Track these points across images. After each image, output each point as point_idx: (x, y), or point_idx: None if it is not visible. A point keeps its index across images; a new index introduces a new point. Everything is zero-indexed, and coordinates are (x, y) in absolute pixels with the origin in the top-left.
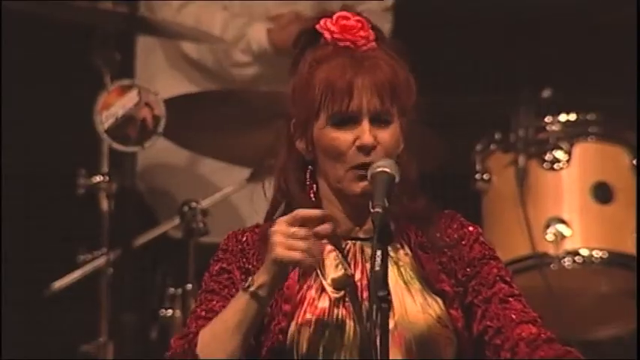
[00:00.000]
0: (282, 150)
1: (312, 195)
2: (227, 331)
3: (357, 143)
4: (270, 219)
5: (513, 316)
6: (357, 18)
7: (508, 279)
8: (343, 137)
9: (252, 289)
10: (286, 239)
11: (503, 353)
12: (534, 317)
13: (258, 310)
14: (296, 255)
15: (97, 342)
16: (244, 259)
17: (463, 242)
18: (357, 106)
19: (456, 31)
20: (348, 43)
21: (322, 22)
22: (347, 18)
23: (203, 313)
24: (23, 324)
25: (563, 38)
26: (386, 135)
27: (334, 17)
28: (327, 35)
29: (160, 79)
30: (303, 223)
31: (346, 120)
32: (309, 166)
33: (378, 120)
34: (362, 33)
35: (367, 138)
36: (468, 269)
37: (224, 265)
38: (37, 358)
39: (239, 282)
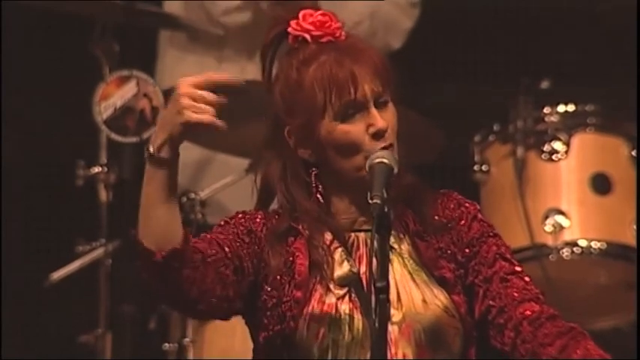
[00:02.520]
0: (277, 159)
1: (319, 196)
2: (149, 205)
3: (372, 130)
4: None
5: (515, 295)
6: (321, 12)
7: (508, 256)
8: (355, 128)
9: (154, 154)
10: (195, 103)
11: (506, 332)
12: (536, 294)
13: (166, 172)
14: (205, 117)
15: (95, 332)
16: (250, 221)
17: (462, 222)
18: (362, 93)
19: (455, 22)
20: (329, 38)
21: (293, 24)
22: (312, 14)
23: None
24: (22, 314)
25: (561, 29)
26: (388, 114)
27: (300, 17)
28: (306, 36)
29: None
30: (210, 87)
31: (354, 110)
32: (314, 169)
33: (379, 102)
34: (335, 25)
35: (381, 122)
36: (467, 249)
37: (227, 220)
38: (36, 348)
39: (242, 233)
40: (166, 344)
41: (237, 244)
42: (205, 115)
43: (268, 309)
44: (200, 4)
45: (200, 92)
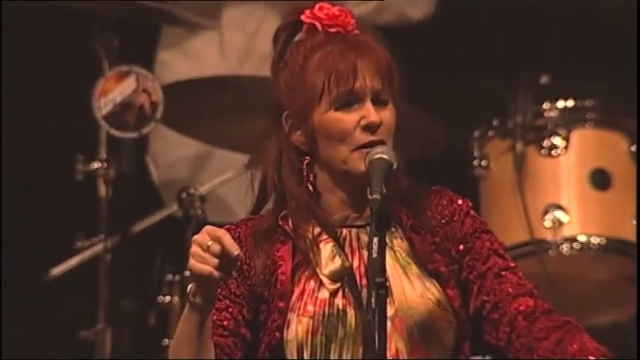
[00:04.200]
0: (274, 144)
1: (309, 186)
2: (181, 340)
3: (363, 123)
4: (257, 212)
5: (510, 290)
6: (338, 7)
7: (502, 252)
8: (348, 119)
9: (190, 298)
10: (202, 251)
11: (501, 328)
12: (531, 289)
13: (199, 317)
14: (205, 269)
15: (95, 328)
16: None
17: (455, 218)
18: (361, 86)
19: (455, 17)
20: (339, 29)
21: (307, 12)
22: (329, 8)
23: None
24: (21, 310)
25: (561, 24)
26: (386, 114)
27: (316, 7)
28: (317, 24)
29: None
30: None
31: (350, 101)
32: (306, 157)
33: (378, 100)
34: (349, 19)
35: (374, 116)
36: (461, 246)
37: None
38: (36, 344)
39: (239, 288)
40: (166, 339)
41: (244, 309)
42: (206, 266)
43: (262, 324)
44: None
45: (208, 242)
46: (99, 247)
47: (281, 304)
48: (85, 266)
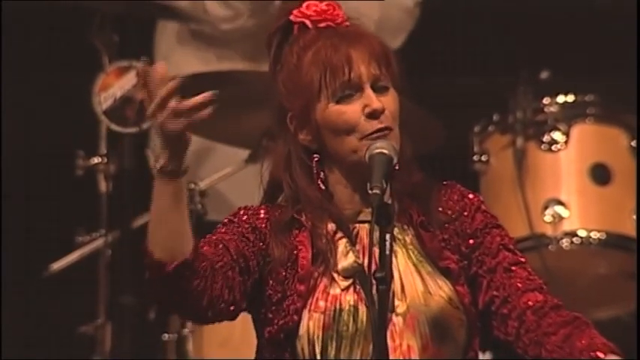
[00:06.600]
0: (282, 146)
1: (320, 183)
2: (160, 217)
3: (367, 110)
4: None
5: (519, 285)
6: (326, 2)
7: (511, 246)
8: (350, 109)
9: (161, 167)
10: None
11: (510, 322)
12: (540, 284)
13: (175, 185)
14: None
15: (95, 323)
16: (254, 218)
17: (465, 213)
18: (358, 74)
19: (455, 13)
20: (329, 23)
21: (295, 12)
22: (317, 4)
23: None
24: (21, 305)
25: (561, 19)
26: (388, 99)
27: (304, 6)
28: (306, 22)
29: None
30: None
31: (349, 92)
32: (315, 155)
33: (378, 87)
34: (337, 12)
35: (376, 103)
36: (471, 240)
37: (231, 218)
38: (36, 338)
39: (246, 231)
40: (166, 334)
41: (243, 243)
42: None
43: (273, 304)
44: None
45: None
46: (99, 242)
47: (301, 287)
48: (85, 261)
